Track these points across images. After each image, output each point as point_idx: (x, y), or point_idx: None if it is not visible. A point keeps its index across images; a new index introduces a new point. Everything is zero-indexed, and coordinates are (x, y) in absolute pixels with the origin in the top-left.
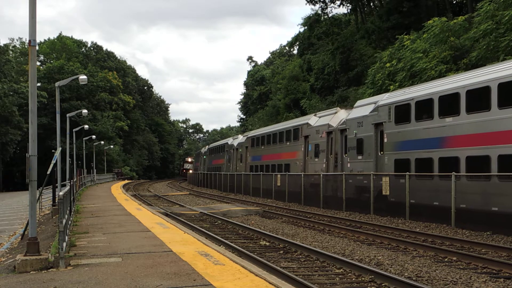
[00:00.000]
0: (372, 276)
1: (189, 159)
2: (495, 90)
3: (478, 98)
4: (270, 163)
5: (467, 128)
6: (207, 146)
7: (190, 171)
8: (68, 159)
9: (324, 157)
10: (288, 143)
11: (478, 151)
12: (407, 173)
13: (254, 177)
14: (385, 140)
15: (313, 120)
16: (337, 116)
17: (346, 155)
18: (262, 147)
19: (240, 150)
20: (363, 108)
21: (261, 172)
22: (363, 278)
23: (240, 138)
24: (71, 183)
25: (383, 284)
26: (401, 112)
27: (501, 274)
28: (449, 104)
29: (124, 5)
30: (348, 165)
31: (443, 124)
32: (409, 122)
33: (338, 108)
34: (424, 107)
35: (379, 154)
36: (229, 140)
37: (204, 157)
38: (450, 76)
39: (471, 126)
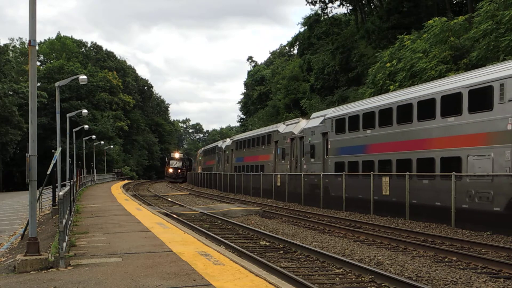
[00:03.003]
0: (372, 276)
1: (177, 155)
2: (395, 111)
3: (386, 116)
4: (249, 164)
5: (379, 138)
6: (202, 148)
7: (179, 171)
8: (68, 159)
9: (289, 159)
10: (263, 147)
11: (386, 156)
12: (408, 173)
13: (254, 177)
14: (329, 146)
15: (281, 127)
16: (299, 125)
17: (303, 158)
18: (244, 149)
19: (227, 152)
20: (316, 119)
21: (261, 172)
22: (363, 278)
23: (228, 141)
24: (71, 183)
25: (383, 284)
26: (340, 124)
27: (501, 274)
28: (368, 119)
29: (125, 5)
30: (305, 166)
31: (365, 135)
32: (344, 133)
33: (300, 118)
34: (353, 121)
35: (325, 157)
36: (219, 143)
37: (200, 158)
38: (371, 97)
39: (382, 137)
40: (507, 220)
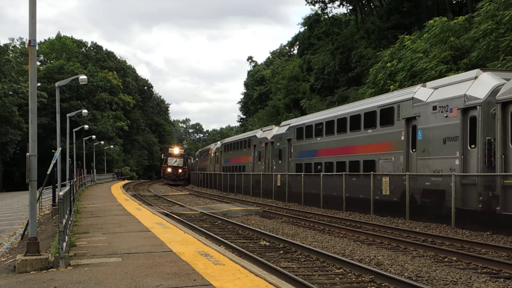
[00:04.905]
0: (372, 276)
1: (176, 151)
2: (336, 123)
3: (330, 127)
4: (234, 165)
5: (325, 144)
6: (199, 150)
7: (180, 171)
8: (68, 159)
9: (264, 161)
10: (244, 150)
11: (329, 159)
12: (407, 173)
13: (254, 177)
14: (292, 150)
15: (259, 133)
16: (272, 132)
17: (273, 160)
18: (230, 152)
19: (217, 154)
20: (284, 127)
21: (261, 172)
22: (363, 278)
23: (218, 144)
24: (71, 183)
25: (383, 284)
26: (299, 132)
27: (501, 274)
28: (319, 129)
29: (125, 5)
30: (274, 167)
31: (316, 142)
32: (303, 139)
33: (273, 125)
34: (309, 130)
35: (289, 160)
36: (212, 145)
37: (197, 159)
38: (324, 110)
39: (327, 143)
40: (400, 206)
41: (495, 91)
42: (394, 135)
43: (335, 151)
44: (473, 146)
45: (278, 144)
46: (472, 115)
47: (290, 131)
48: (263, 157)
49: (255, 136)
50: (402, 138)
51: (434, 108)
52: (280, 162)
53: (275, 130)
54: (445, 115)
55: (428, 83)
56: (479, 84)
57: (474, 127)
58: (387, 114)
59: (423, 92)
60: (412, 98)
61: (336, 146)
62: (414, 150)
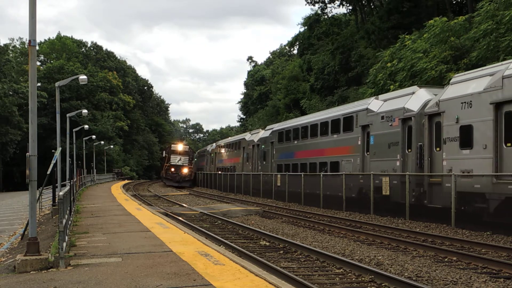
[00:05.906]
0: (372, 276)
1: (180, 147)
2: (309, 128)
3: (305, 132)
4: (226, 165)
5: (301, 147)
6: (198, 150)
7: (185, 171)
8: (68, 159)
9: (251, 162)
10: (235, 151)
11: (304, 160)
12: (408, 173)
13: (254, 177)
14: (274, 152)
15: (247, 136)
16: (258, 135)
17: (259, 161)
18: (223, 153)
19: (212, 154)
20: (268, 131)
21: (261, 172)
22: (363, 278)
23: (214, 145)
24: (71, 183)
25: (383, 284)
26: (280, 136)
27: (501, 274)
28: (296, 133)
29: (126, 5)
30: (259, 167)
31: (293, 144)
32: (283, 142)
33: (260, 129)
34: (288, 134)
35: (272, 161)
36: (208, 147)
37: (195, 159)
38: (302, 116)
39: (302, 146)
40: (357, 201)
41: (426, 104)
42: (353, 140)
43: (308, 154)
44: (409, 150)
45: (263, 146)
46: (409, 124)
47: (273, 135)
48: (250, 158)
49: (244, 139)
50: (359, 143)
51: (382, 117)
52: (264, 163)
53: (261, 133)
54: (390, 123)
55: (380, 96)
56: (415, 99)
57: (410, 134)
58: (348, 122)
59: (375, 104)
60: (367, 108)
61: (309, 149)
62: (368, 153)
